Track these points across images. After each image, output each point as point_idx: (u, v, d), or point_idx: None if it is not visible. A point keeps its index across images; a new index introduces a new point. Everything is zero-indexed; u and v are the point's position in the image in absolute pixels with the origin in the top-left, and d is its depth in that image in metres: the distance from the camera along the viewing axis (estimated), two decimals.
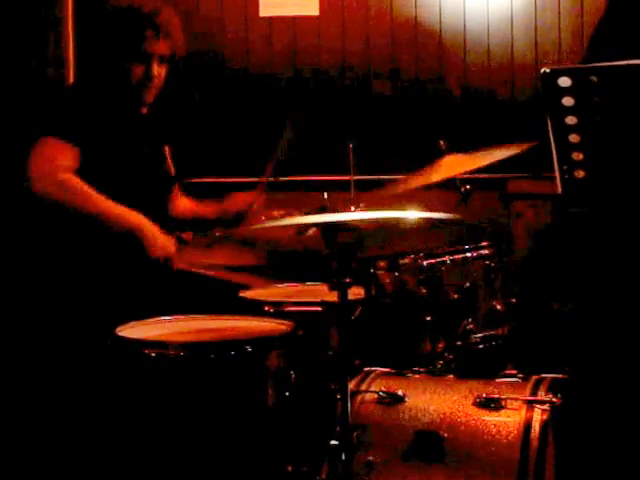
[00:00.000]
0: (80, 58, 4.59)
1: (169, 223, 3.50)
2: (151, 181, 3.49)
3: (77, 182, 3.22)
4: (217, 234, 3.41)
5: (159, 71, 3.39)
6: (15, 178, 3.32)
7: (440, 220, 2.47)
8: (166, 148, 3.70)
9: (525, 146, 3.09)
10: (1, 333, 3.96)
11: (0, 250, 4.21)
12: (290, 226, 2.45)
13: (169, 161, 3.72)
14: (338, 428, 2.44)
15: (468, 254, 3.07)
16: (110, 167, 3.30)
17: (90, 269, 3.25)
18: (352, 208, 3.28)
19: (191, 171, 4.26)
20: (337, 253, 2.39)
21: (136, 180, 3.38)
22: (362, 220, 2.42)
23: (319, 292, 2.99)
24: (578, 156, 2.10)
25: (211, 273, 3.25)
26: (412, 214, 2.38)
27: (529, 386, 2.66)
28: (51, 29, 4.53)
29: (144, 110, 3.51)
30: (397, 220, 2.45)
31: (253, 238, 2.55)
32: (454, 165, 3.25)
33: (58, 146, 3.25)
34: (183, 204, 3.83)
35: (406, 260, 3.01)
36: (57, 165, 3.22)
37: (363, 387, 2.73)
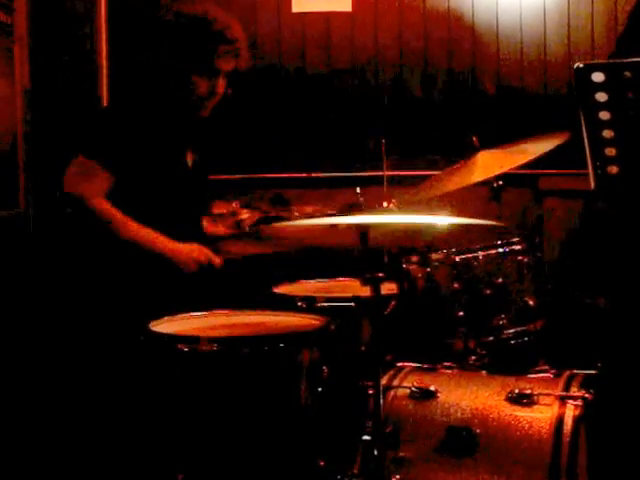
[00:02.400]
0: (112, 54, 4.60)
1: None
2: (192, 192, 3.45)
3: (108, 209, 3.22)
4: (247, 229, 3.42)
5: (222, 86, 3.35)
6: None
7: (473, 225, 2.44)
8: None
9: (557, 137, 3.08)
10: (42, 330, 4.01)
11: (46, 253, 4.24)
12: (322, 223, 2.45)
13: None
14: (370, 423, 2.45)
15: (500, 250, 3.06)
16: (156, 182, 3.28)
17: (124, 265, 3.26)
18: (384, 204, 3.28)
19: (223, 168, 4.27)
20: (370, 249, 2.39)
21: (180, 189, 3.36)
22: (394, 223, 2.41)
23: (351, 287, 3.00)
24: (611, 152, 2.09)
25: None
26: (445, 219, 2.35)
27: (561, 382, 2.65)
28: (84, 24, 4.54)
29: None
30: (430, 225, 2.43)
31: (284, 234, 2.56)
32: (490, 164, 3.24)
33: (93, 170, 3.22)
34: None
35: (439, 255, 3.01)
36: (90, 189, 3.21)
37: (395, 382, 2.74)
